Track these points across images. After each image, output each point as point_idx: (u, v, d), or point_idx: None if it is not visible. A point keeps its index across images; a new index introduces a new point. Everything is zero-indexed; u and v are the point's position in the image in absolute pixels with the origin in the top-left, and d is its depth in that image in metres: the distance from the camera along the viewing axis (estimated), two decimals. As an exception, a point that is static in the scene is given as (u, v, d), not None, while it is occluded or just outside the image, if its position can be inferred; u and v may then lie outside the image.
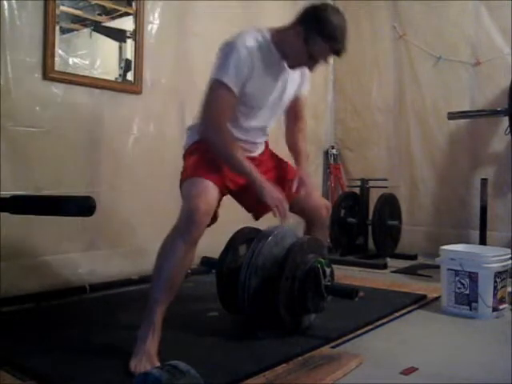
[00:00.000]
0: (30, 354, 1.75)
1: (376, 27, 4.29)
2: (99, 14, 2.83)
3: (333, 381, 1.61)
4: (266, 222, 2.12)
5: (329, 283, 1.98)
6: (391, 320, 2.29)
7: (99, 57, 2.85)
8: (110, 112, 2.82)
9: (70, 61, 2.67)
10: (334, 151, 4.56)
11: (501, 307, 2.39)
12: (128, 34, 2.93)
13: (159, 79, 3.07)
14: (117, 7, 2.88)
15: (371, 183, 4.01)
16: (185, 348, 1.82)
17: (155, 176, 2.98)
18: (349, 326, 2.11)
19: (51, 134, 2.55)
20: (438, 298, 2.60)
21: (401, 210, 3.97)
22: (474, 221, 3.66)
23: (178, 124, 3.11)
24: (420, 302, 2.60)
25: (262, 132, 2.14)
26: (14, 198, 1.58)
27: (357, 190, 4.07)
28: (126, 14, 2.91)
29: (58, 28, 2.55)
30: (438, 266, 2.53)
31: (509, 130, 3.33)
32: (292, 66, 2.01)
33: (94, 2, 2.78)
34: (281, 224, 1.96)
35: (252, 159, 2.03)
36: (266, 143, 2.23)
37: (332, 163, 4.53)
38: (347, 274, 3.21)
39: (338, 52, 1.93)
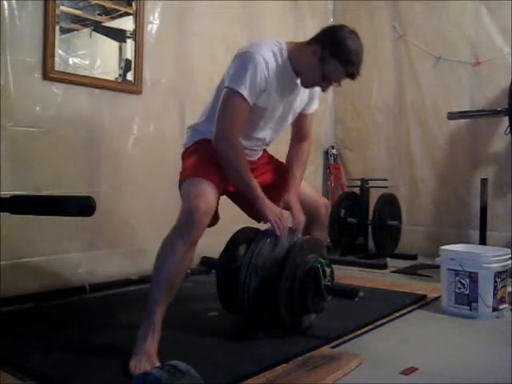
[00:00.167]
0: (30, 354, 1.74)
1: (376, 27, 4.28)
2: (99, 14, 2.83)
3: (333, 381, 1.61)
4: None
5: (329, 283, 1.98)
6: (391, 320, 2.29)
7: (99, 57, 2.85)
8: (110, 112, 2.82)
9: (70, 61, 2.67)
10: (334, 151, 4.56)
11: (501, 307, 2.39)
12: (128, 34, 2.93)
13: (159, 79, 3.07)
14: (117, 7, 2.88)
15: (371, 183, 4.01)
16: (185, 348, 1.82)
17: (155, 176, 2.98)
18: (349, 326, 2.11)
19: (51, 134, 2.55)
20: (438, 298, 2.60)
21: (401, 210, 3.97)
22: (474, 221, 3.66)
23: (178, 124, 3.11)
24: (420, 301, 2.59)
25: (263, 143, 2.16)
26: (14, 197, 1.58)
27: (357, 190, 4.06)
28: (126, 13, 2.91)
29: (57, 28, 2.55)
30: (437, 266, 2.53)
31: (509, 129, 3.33)
32: (305, 85, 2.01)
33: (94, 2, 2.78)
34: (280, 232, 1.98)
35: (249, 162, 2.03)
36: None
37: (332, 163, 4.53)
38: (347, 274, 3.21)
39: (352, 76, 1.91)
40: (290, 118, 2.13)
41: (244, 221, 2.21)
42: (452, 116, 3.63)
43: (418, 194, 4.15)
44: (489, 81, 3.77)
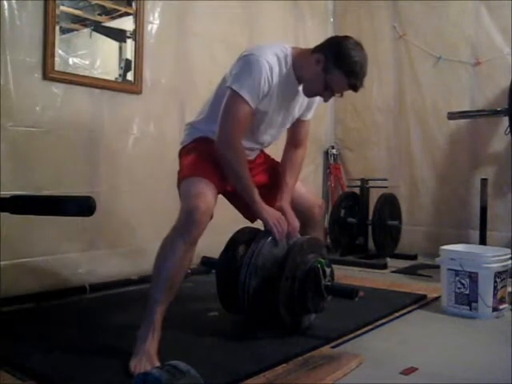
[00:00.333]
0: (30, 354, 1.74)
1: (376, 27, 4.29)
2: (99, 14, 2.83)
3: (333, 381, 1.61)
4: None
5: (329, 283, 1.98)
6: (391, 320, 2.29)
7: (99, 57, 2.85)
8: (110, 112, 2.82)
9: (70, 61, 2.67)
10: (334, 151, 4.56)
11: (501, 307, 2.39)
12: (128, 34, 2.93)
13: (159, 79, 3.07)
14: (117, 7, 2.88)
15: (371, 183, 4.01)
16: (185, 348, 1.82)
17: (155, 176, 2.98)
18: (349, 326, 2.11)
19: (51, 134, 2.55)
20: (438, 298, 2.60)
21: (401, 210, 3.97)
22: (474, 221, 3.66)
23: (178, 124, 3.10)
24: (420, 302, 2.59)
25: (261, 145, 2.16)
26: (14, 197, 1.58)
27: (357, 190, 4.06)
28: (126, 13, 2.91)
29: (58, 28, 2.55)
30: (438, 266, 2.53)
31: (509, 129, 3.33)
32: (307, 94, 2.01)
33: (94, 2, 2.78)
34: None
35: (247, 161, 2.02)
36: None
37: (332, 163, 4.53)
38: (347, 274, 3.21)
39: (355, 87, 1.91)
40: (289, 124, 2.13)
41: (244, 221, 2.21)
42: (452, 116, 3.63)
43: (417, 194, 4.15)
44: (489, 81, 3.77)
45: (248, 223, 2.22)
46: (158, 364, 1.57)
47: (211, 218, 1.89)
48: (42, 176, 2.51)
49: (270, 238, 1.99)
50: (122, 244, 2.87)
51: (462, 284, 2.38)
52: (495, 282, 2.35)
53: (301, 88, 2.00)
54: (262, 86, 1.86)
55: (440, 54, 3.95)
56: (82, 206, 1.43)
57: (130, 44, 2.94)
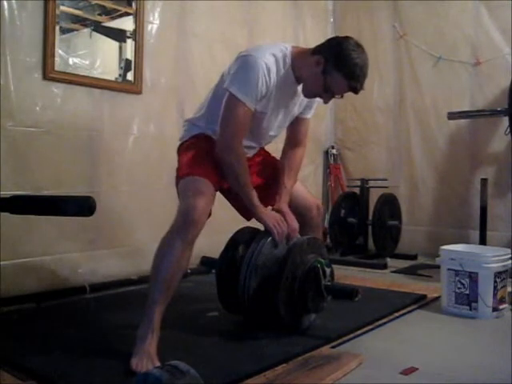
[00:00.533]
0: (30, 354, 1.74)
1: (376, 27, 4.29)
2: (99, 14, 2.83)
3: (333, 381, 1.61)
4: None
5: (329, 283, 1.98)
6: (391, 320, 2.29)
7: (99, 57, 2.85)
8: (110, 112, 2.82)
9: (70, 61, 2.67)
10: (334, 151, 4.56)
11: (501, 307, 2.39)
12: (128, 34, 2.93)
13: (159, 79, 3.07)
14: (117, 7, 2.88)
15: (371, 183, 4.01)
16: (185, 348, 1.82)
17: (155, 176, 2.98)
18: (349, 326, 2.11)
19: (51, 134, 2.55)
20: (438, 298, 2.60)
21: (401, 210, 3.97)
22: (474, 221, 3.66)
23: (178, 124, 3.09)
24: (420, 302, 2.59)
25: (260, 144, 2.16)
26: (14, 197, 1.58)
27: (357, 190, 4.07)
28: (126, 13, 2.91)
29: (58, 28, 2.55)
30: (438, 266, 2.53)
31: (509, 129, 3.34)
32: (307, 95, 2.00)
33: (94, 2, 2.78)
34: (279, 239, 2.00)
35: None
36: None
37: (332, 163, 4.53)
38: (347, 274, 3.21)
39: (355, 90, 1.89)
40: (288, 122, 2.13)
41: (244, 221, 2.21)
42: (452, 116, 3.63)
43: (417, 194, 4.15)
44: (489, 81, 3.77)
45: (248, 223, 2.21)
46: (158, 363, 1.57)
47: (209, 216, 1.89)
48: (42, 176, 2.51)
49: (270, 237, 1.99)
50: (122, 244, 2.87)
51: (462, 284, 2.38)
52: (495, 282, 2.35)
53: (300, 88, 1.99)
54: (260, 87, 1.85)
55: (440, 54, 3.95)
56: (82, 206, 1.43)
57: (130, 44, 2.94)
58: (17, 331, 2.02)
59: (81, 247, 2.69)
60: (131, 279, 2.81)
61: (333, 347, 1.91)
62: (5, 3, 2.36)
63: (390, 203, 3.88)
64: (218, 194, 2.01)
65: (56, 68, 2.55)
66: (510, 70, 3.52)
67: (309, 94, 1.99)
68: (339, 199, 4.05)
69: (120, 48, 2.96)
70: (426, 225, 4.09)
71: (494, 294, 2.34)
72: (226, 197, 2.15)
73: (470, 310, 2.36)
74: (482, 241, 3.28)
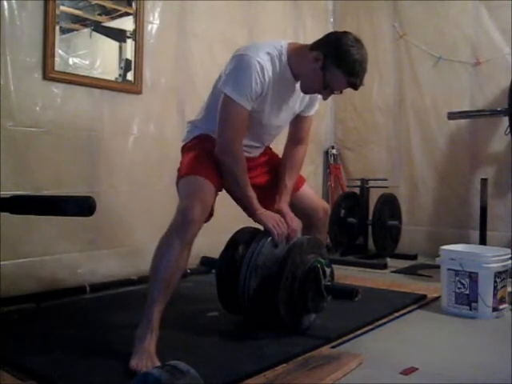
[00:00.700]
0: (30, 354, 1.74)
1: (376, 27, 4.29)
2: (99, 14, 2.83)
3: (333, 381, 1.61)
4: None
5: (329, 283, 1.98)
6: (391, 320, 2.29)
7: (99, 57, 2.85)
8: (110, 112, 2.82)
9: (70, 61, 2.67)
10: (334, 151, 4.56)
11: (501, 307, 2.39)
12: (128, 34, 2.93)
13: (159, 79, 3.07)
14: (117, 7, 2.88)
15: (371, 183, 4.01)
16: (185, 348, 1.82)
17: (155, 176, 2.98)
18: (349, 326, 2.10)
19: (51, 134, 2.55)
20: (438, 298, 2.60)
21: (401, 210, 3.97)
22: (474, 221, 3.66)
23: (178, 124, 3.11)
24: (420, 301, 2.59)
25: (261, 143, 2.14)
26: (14, 197, 1.58)
27: (357, 190, 4.06)
28: (126, 13, 2.91)
29: (58, 28, 2.55)
30: (438, 266, 2.53)
31: (509, 129, 3.34)
32: (305, 91, 1.98)
33: (94, 2, 2.78)
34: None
35: (248, 160, 2.02)
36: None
37: (332, 163, 4.53)
38: (347, 274, 3.21)
39: (355, 86, 1.86)
40: (290, 120, 2.12)
41: (244, 221, 2.20)
42: (452, 116, 3.63)
43: (417, 194, 4.14)
44: (489, 81, 3.77)
45: (248, 223, 2.21)
46: (158, 363, 1.57)
47: (211, 215, 1.89)
48: (42, 176, 2.51)
49: (270, 237, 1.99)
50: (122, 244, 2.87)
51: (462, 284, 2.38)
52: (495, 282, 2.35)
53: (298, 85, 1.98)
54: (254, 87, 1.84)
55: (440, 54, 3.95)
56: (82, 206, 1.43)
57: (130, 44, 2.94)
58: (17, 331, 2.02)
59: (81, 247, 2.69)
60: (131, 279, 2.81)
61: (333, 347, 1.91)
62: (5, 3, 2.36)
63: (389, 203, 3.88)
64: (221, 193, 2.01)
65: (56, 68, 2.55)
66: (510, 70, 3.52)
67: (307, 90, 1.98)
68: (339, 199, 4.05)
69: (120, 48, 2.96)
70: (425, 225, 4.09)
71: (494, 294, 2.34)
72: (231, 196, 2.15)
73: (470, 309, 2.36)
74: (482, 241, 3.28)
